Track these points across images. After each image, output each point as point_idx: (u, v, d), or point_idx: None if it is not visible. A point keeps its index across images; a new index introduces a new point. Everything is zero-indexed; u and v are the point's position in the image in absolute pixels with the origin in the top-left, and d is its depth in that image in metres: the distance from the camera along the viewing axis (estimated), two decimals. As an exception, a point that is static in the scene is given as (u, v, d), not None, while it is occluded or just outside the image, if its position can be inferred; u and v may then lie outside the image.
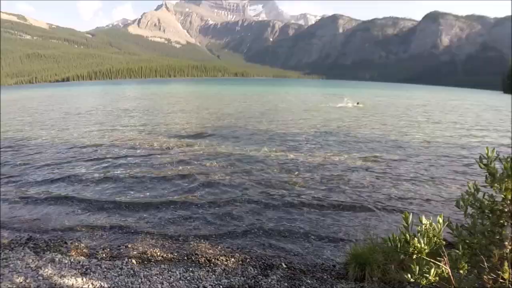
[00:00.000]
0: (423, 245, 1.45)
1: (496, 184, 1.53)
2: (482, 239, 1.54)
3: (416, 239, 1.47)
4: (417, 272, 1.44)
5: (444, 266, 1.48)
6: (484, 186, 1.63)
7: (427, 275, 1.42)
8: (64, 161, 7.63)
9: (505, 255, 1.49)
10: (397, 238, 1.53)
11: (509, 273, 1.42)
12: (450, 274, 1.48)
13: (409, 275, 1.46)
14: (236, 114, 17.07)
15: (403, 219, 1.54)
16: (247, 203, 5.09)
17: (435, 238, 1.47)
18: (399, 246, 1.50)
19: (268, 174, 6.56)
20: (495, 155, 1.61)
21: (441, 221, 1.50)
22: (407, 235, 1.49)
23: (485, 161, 1.61)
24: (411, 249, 1.47)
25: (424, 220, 1.50)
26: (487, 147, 1.69)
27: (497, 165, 1.62)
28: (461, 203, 1.64)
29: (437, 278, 1.44)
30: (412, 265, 1.46)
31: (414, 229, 1.52)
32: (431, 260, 1.47)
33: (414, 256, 1.48)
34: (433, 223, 1.50)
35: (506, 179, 1.49)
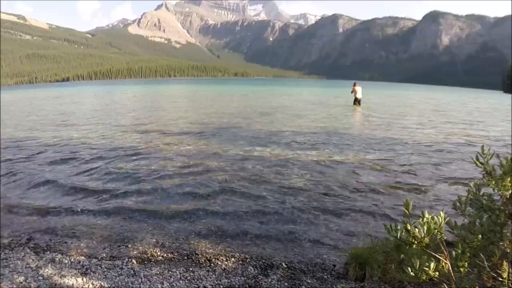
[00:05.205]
0: (423, 234, 1.45)
1: (493, 183, 1.52)
2: (482, 239, 1.53)
3: (416, 229, 1.47)
4: (417, 266, 1.43)
5: (445, 261, 1.48)
6: (484, 184, 1.62)
7: (427, 269, 1.42)
8: (64, 161, 7.63)
9: (505, 253, 1.48)
10: (398, 226, 1.53)
11: (508, 272, 1.42)
12: (450, 269, 1.48)
13: (409, 269, 1.46)
14: (236, 114, 17.07)
15: (404, 206, 1.54)
16: (247, 202, 5.09)
17: (436, 231, 1.47)
18: (399, 235, 1.50)
19: (268, 174, 6.56)
20: (492, 153, 1.59)
21: (442, 215, 1.50)
22: (407, 224, 1.49)
23: (481, 159, 1.60)
24: (411, 238, 1.47)
25: (426, 215, 1.50)
26: (482, 146, 1.67)
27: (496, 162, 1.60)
28: (458, 204, 1.63)
29: (437, 273, 1.44)
30: (413, 259, 1.46)
31: (416, 224, 1.52)
32: (432, 253, 1.47)
33: (414, 246, 1.48)
34: (435, 217, 1.50)
35: (504, 177, 1.48)
